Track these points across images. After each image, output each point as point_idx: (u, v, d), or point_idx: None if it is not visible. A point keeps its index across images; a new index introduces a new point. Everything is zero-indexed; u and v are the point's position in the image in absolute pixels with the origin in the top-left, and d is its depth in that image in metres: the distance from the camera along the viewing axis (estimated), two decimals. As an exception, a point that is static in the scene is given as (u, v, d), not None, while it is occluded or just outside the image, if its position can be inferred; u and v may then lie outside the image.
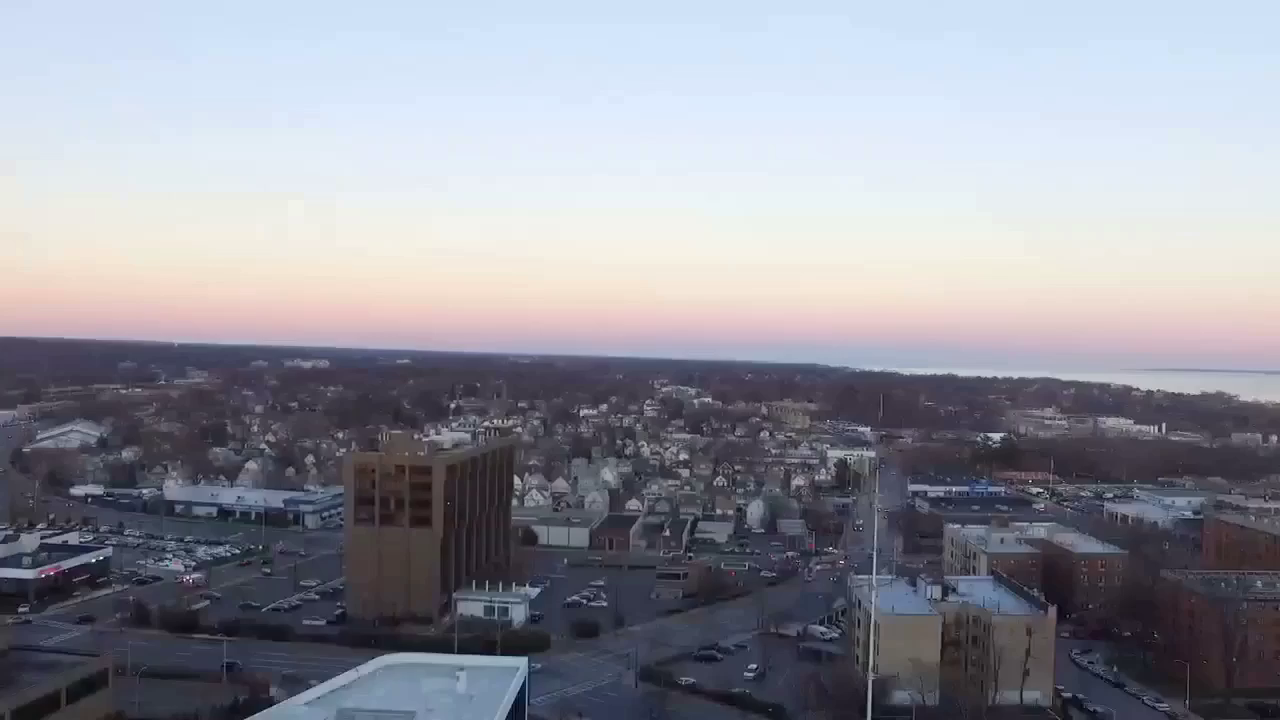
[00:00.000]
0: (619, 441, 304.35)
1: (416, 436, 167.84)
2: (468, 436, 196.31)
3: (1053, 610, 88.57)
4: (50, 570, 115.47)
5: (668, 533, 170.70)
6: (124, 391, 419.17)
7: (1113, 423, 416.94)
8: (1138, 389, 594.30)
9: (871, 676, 55.88)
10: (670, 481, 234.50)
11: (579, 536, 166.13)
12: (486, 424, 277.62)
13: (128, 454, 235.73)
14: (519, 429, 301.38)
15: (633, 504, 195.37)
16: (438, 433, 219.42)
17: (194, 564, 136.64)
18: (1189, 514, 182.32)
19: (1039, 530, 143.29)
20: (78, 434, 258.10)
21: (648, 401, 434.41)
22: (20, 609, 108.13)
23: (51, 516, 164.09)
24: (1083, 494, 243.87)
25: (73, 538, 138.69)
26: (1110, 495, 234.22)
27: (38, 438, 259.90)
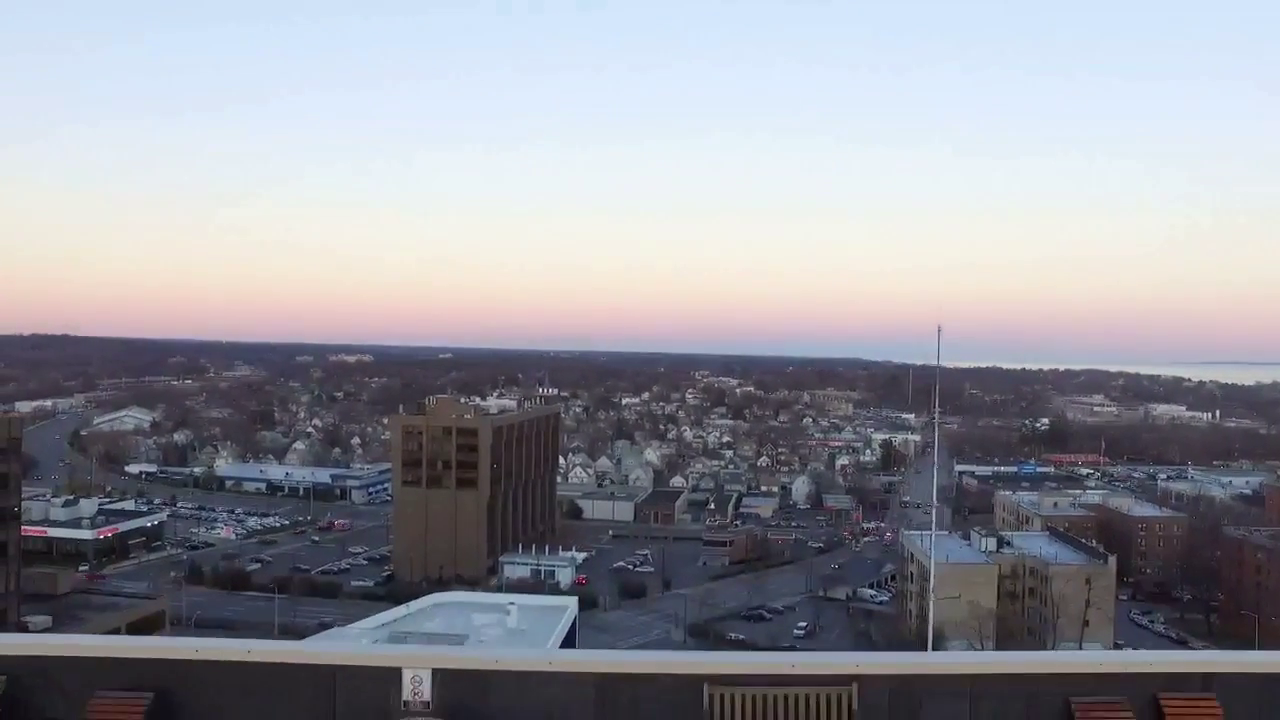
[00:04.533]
0: (661, 426, 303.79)
1: (463, 400, 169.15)
2: (513, 404, 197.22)
3: (1112, 560, 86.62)
4: (108, 532, 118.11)
5: (712, 506, 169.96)
6: (175, 383, 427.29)
7: (1164, 409, 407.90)
8: (1189, 379, 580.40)
9: (932, 600, 55.17)
10: (714, 462, 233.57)
11: (624, 510, 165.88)
12: (532, 393, 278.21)
13: (179, 437, 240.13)
14: (562, 414, 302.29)
15: (677, 481, 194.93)
16: (483, 399, 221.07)
17: (244, 532, 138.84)
18: (1247, 492, 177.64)
19: (1093, 496, 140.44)
20: (131, 419, 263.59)
21: (689, 390, 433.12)
22: (80, 568, 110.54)
23: (109, 489, 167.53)
24: (1135, 475, 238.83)
25: (128, 505, 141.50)
26: (1164, 476, 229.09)
27: (94, 423, 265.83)
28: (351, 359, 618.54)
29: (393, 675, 9.20)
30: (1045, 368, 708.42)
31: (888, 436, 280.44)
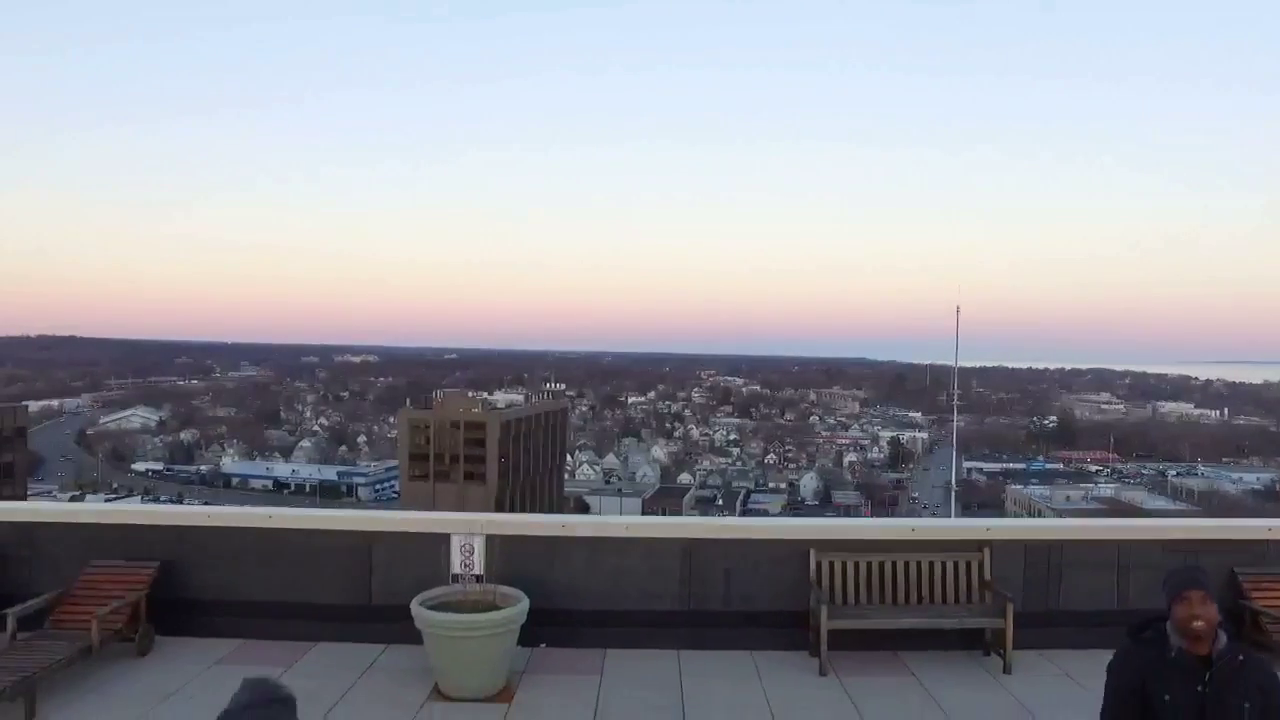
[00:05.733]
0: (668, 425, 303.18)
1: (471, 395, 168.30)
2: (520, 399, 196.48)
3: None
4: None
5: (720, 503, 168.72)
6: (181, 383, 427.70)
7: (1172, 407, 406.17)
8: (1196, 377, 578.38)
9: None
10: (721, 459, 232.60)
11: (631, 506, 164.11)
12: (540, 389, 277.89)
13: (186, 435, 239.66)
14: (569, 412, 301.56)
15: (684, 478, 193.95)
16: (490, 394, 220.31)
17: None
18: (1259, 487, 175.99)
19: (1105, 491, 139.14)
20: (138, 417, 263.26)
21: (695, 389, 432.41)
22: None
23: (115, 486, 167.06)
24: (1145, 471, 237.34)
25: (134, 501, 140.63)
26: (1174, 472, 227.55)
27: (101, 421, 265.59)
28: (357, 359, 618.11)
29: (439, 544, 7.92)
30: (1051, 366, 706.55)
31: (895, 434, 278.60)
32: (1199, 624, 3.38)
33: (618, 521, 8.11)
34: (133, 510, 9.71)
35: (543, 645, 7.79)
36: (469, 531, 7.85)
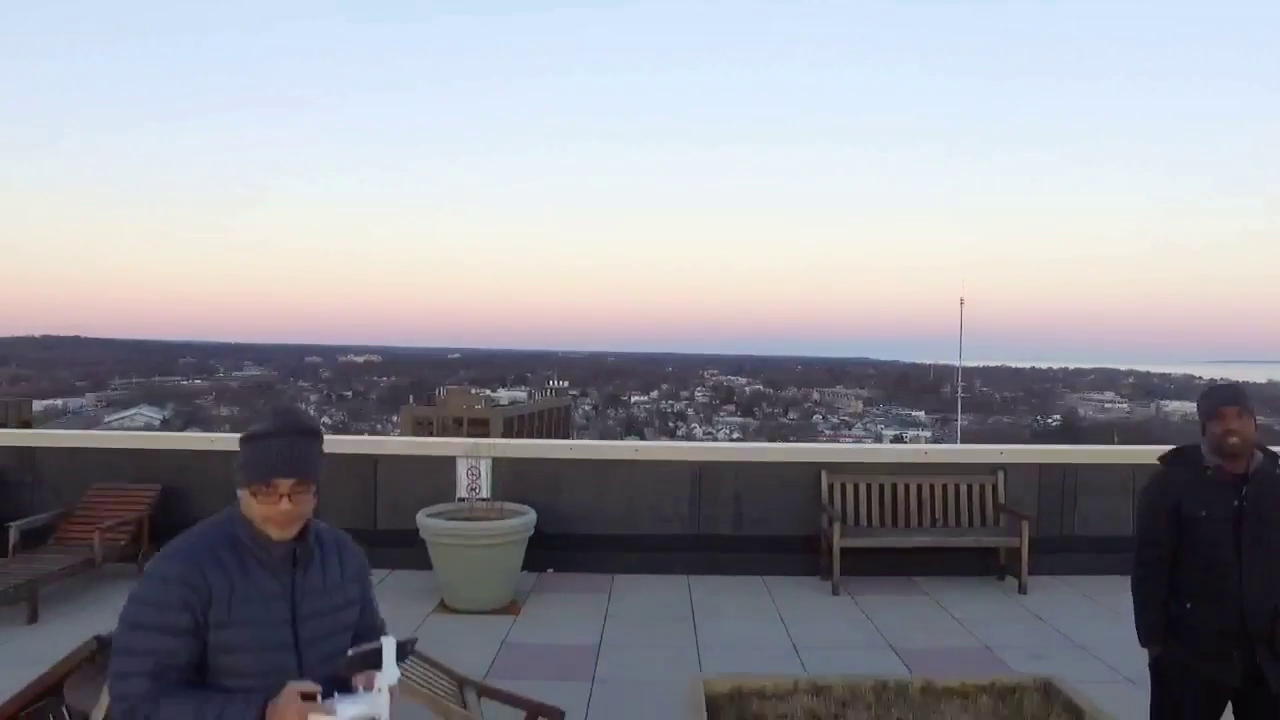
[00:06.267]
0: (671, 424, 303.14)
1: (474, 392, 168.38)
2: (524, 395, 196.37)
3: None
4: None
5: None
6: (184, 382, 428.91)
7: (1175, 405, 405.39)
8: (1199, 377, 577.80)
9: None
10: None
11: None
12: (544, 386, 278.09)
13: (189, 433, 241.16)
14: (572, 410, 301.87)
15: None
16: (493, 391, 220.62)
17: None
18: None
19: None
20: (142, 416, 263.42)
21: (698, 389, 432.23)
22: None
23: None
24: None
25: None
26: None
27: (105, 420, 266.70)
28: (360, 359, 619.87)
29: (445, 468, 7.84)
30: (1055, 366, 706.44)
31: (898, 432, 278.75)
32: (1234, 440, 3.22)
33: (626, 445, 7.99)
34: (136, 435, 9.65)
35: (550, 570, 7.70)
36: (475, 455, 7.76)
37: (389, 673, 1.89)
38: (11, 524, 6.94)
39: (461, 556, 6.56)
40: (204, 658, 1.95)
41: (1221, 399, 3.27)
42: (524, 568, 7.14)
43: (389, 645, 1.90)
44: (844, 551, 7.19)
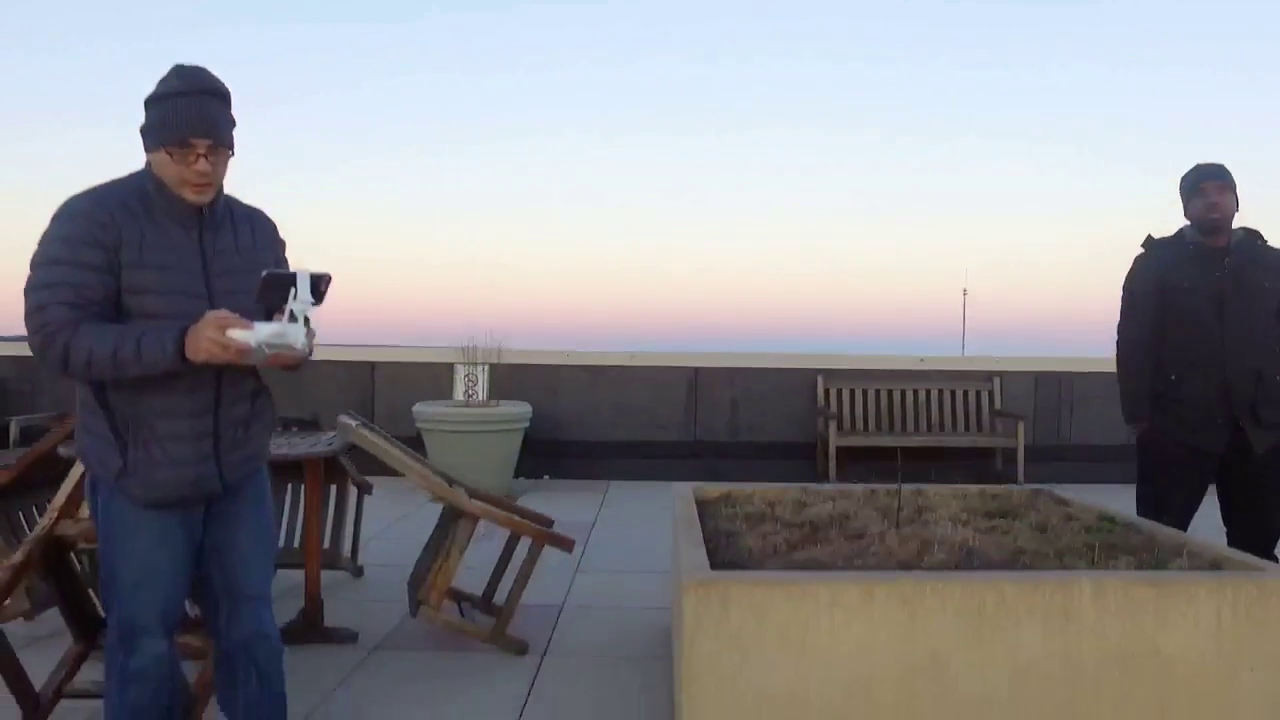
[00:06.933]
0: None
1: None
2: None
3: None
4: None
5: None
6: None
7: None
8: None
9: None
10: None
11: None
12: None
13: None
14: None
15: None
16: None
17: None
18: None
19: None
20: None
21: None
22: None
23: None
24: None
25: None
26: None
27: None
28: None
29: (443, 373, 7.83)
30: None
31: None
32: (1215, 215, 3.22)
33: (621, 350, 7.98)
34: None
35: (546, 477, 7.70)
36: (472, 362, 7.76)
37: (304, 300, 1.89)
38: (11, 418, 6.98)
39: (460, 444, 6.56)
40: (119, 301, 1.91)
41: (1205, 173, 3.28)
42: (519, 474, 7.13)
43: (303, 275, 1.89)
44: (840, 453, 7.19)
